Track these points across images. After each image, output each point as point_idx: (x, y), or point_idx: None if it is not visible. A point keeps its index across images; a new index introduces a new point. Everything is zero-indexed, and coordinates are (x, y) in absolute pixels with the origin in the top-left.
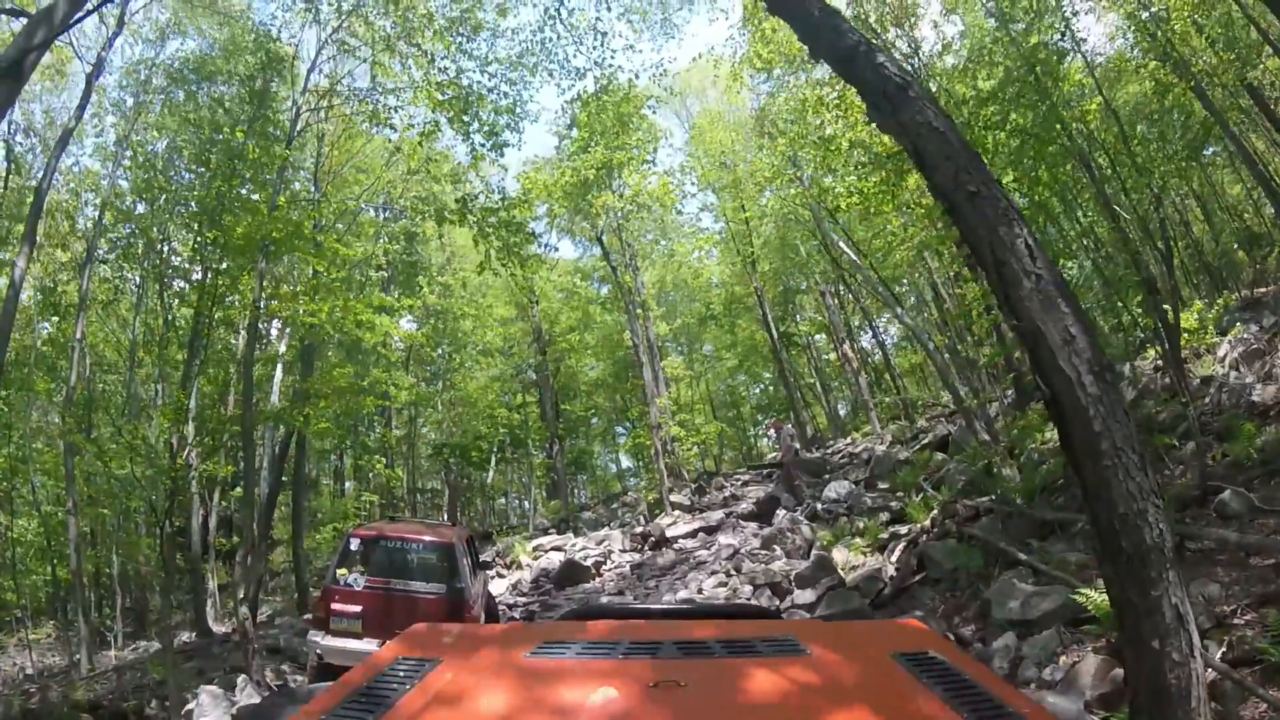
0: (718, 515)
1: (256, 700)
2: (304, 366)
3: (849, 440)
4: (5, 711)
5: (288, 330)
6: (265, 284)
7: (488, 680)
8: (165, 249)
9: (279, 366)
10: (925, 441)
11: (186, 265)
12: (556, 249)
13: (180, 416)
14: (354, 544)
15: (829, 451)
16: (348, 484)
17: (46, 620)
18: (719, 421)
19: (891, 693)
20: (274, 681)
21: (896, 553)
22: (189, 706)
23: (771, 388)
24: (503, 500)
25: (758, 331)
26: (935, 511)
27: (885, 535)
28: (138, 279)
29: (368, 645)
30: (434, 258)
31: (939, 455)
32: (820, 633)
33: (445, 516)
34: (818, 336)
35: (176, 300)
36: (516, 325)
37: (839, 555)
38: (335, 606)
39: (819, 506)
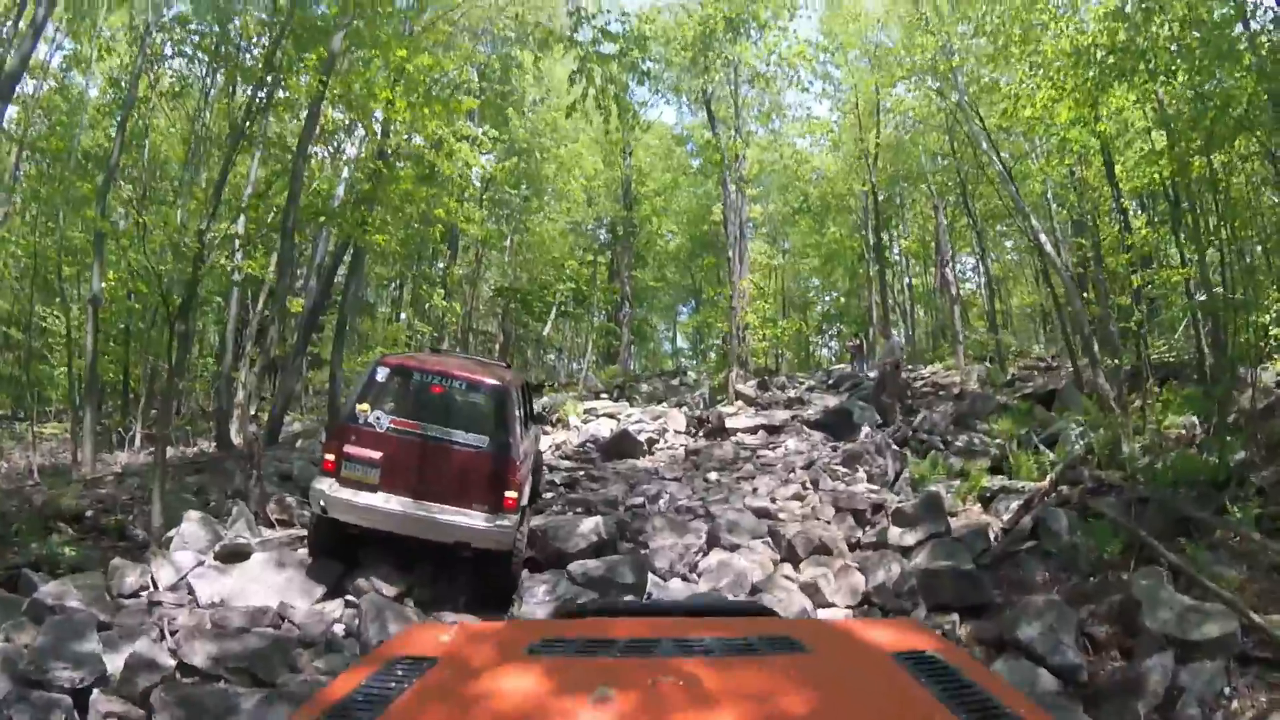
0: (782, 415)
1: (246, 536)
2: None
3: (934, 369)
4: None
5: (361, 134)
6: (335, 73)
7: (486, 679)
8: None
9: (345, 170)
10: (1026, 391)
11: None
12: (660, 105)
13: (213, 202)
14: (381, 374)
15: (912, 377)
16: (403, 316)
17: (67, 417)
18: (788, 319)
19: (892, 694)
20: (276, 515)
21: (1009, 512)
22: (171, 533)
23: (844, 298)
24: (553, 357)
25: (846, 238)
26: (1053, 474)
27: (993, 486)
28: (203, 70)
29: (384, 502)
30: (529, 92)
31: (1040, 409)
32: (820, 632)
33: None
34: (909, 258)
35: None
36: (602, 176)
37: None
38: (349, 450)
39: (910, 432)
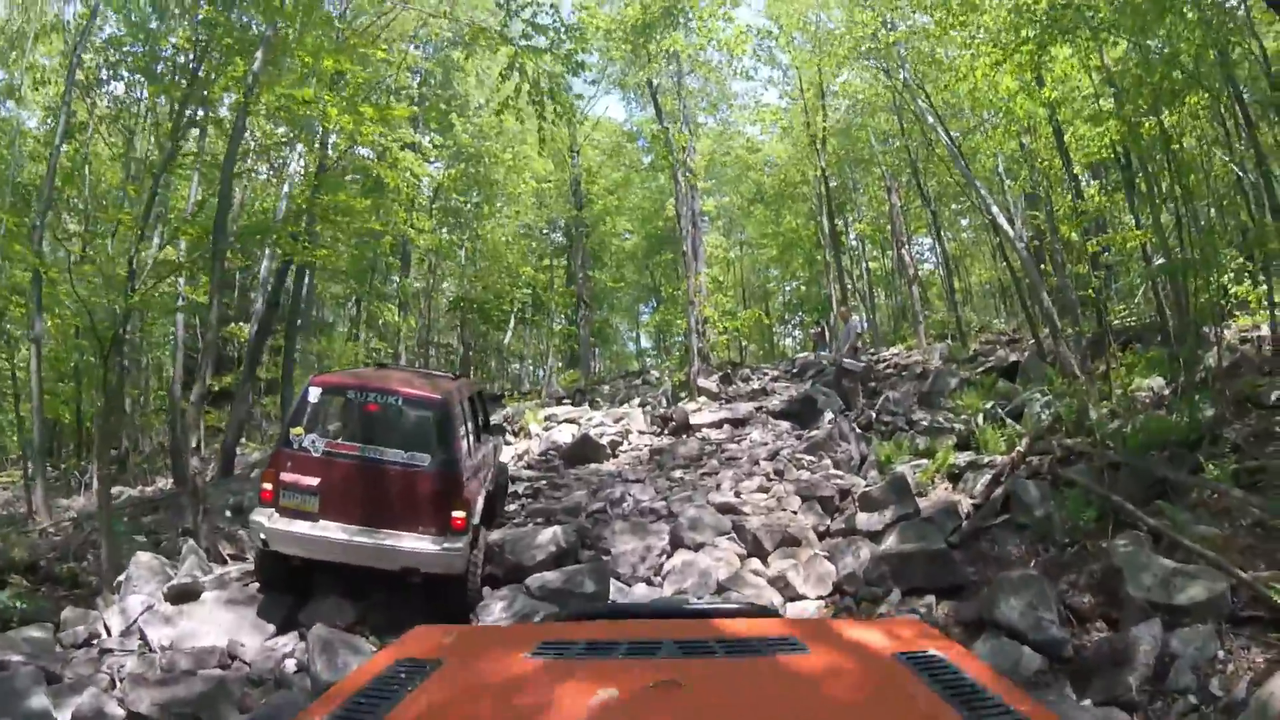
0: (745, 408)
1: (196, 575)
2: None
3: (896, 351)
4: None
5: (300, 148)
6: (262, 84)
7: (489, 682)
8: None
9: (285, 187)
10: (989, 365)
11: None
12: (606, 100)
13: (142, 226)
14: (314, 394)
15: (874, 359)
16: (361, 335)
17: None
18: (747, 310)
19: (894, 693)
20: (228, 550)
21: (979, 486)
22: (121, 577)
23: (804, 286)
24: (517, 365)
25: (803, 226)
26: (1021, 446)
27: (960, 463)
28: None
29: (324, 530)
30: (472, 96)
31: (1004, 382)
32: (822, 632)
33: (457, 373)
34: (865, 242)
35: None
36: (553, 178)
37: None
38: (286, 477)
39: (873, 415)
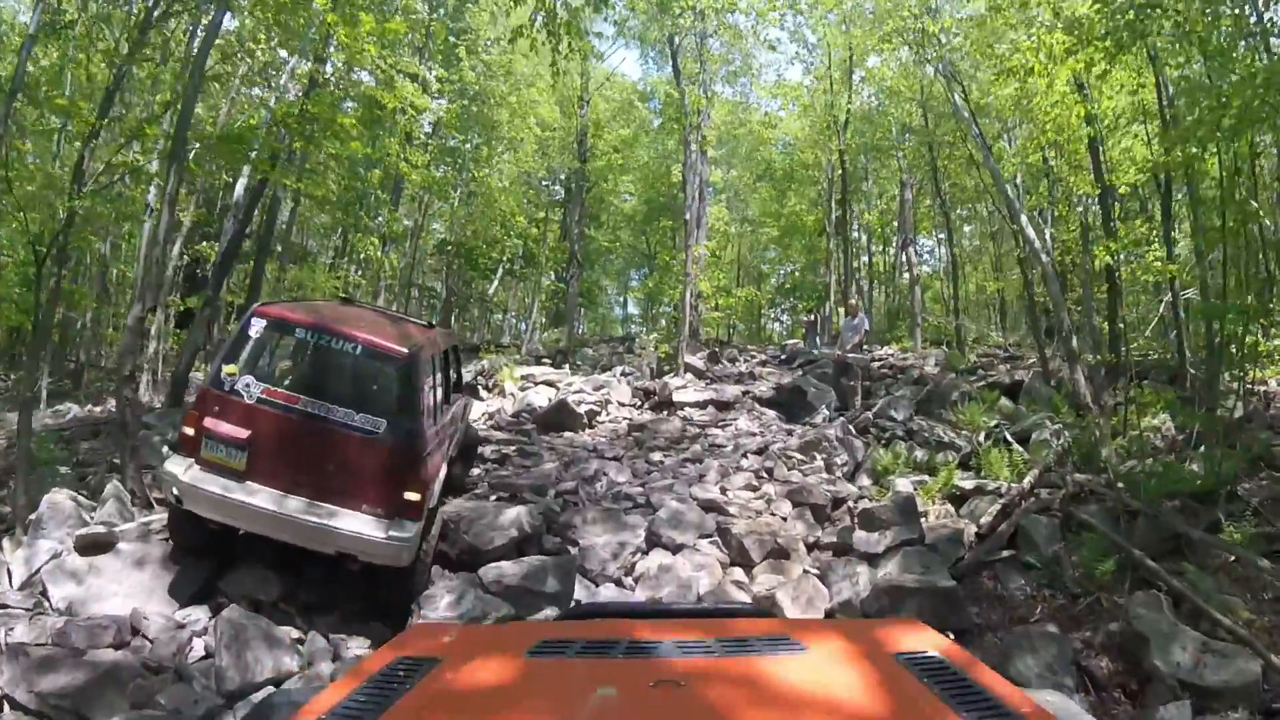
0: (732, 391)
1: (115, 521)
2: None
3: (891, 351)
4: None
5: (292, 63)
6: None
7: (488, 681)
8: None
9: (272, 100)
10: (990, 379)
11: None
12: (623, 54)
13: (96, 124)
14: (256, 327)
15: (870, 358)
16: (344, 269)
17: None
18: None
19: (893, 693)
20: (157, 495)
21: (987, 516)
22: (33, 515)
23: (799, 272)
24: (500, 317)
25: (807, 211)
26: (1030, 477)
27: (965, 486)
28: None
29: (249, 495)
30: (484, 31)
31: (1006, 401)
32: (820, 632)
33: (435, 320)
34: (869, 234)
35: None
36: (559, 126)
37: (902, 491)
38: (209, 423)
39: (870, 417)
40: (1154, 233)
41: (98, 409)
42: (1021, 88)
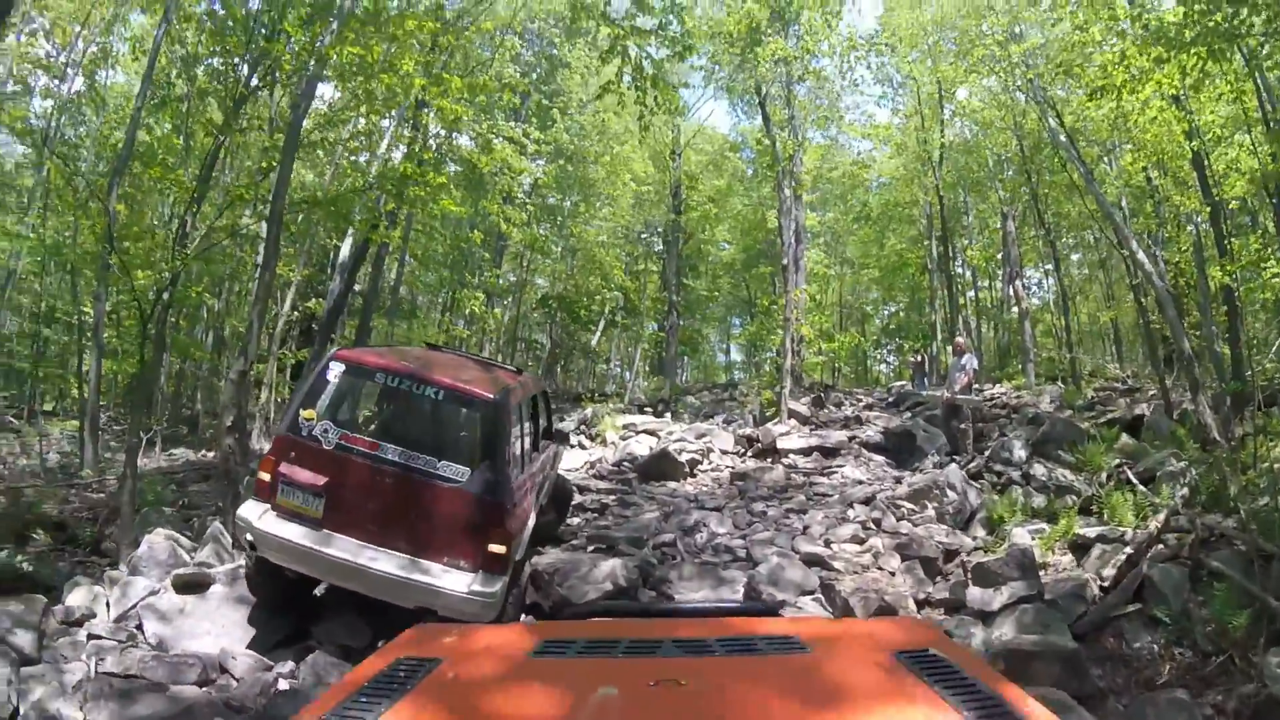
0: (837, 436)
1: (213, 563)
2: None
3: (1003, 389)
4: None
5: (389, 127)
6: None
7: (489, 681)
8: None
9: (374, 166)
10: (1110, 416)
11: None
12: (712, 106)
13: (199, 191)
14: (335, 371)
15: (983, 398)
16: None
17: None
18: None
19: (894, 692)
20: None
21: (1110, 566)
22: (136, 553)
23: (904, 312)
24: (604, 366)
25: (907, 251)
26: (1154, 522)
27: (1089, 533)
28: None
29: (326, 546)
30: (575, 93)
31: (1127, 438)
32: (822, 632)
33: (540, 371)
34: (973, 270)
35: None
36: (653, 180)
37: (1019, 543)
38: (286, 469)
39: (983, 462)
40: (1270, 247)
41: (209, 454)
42: (1116, 107)
